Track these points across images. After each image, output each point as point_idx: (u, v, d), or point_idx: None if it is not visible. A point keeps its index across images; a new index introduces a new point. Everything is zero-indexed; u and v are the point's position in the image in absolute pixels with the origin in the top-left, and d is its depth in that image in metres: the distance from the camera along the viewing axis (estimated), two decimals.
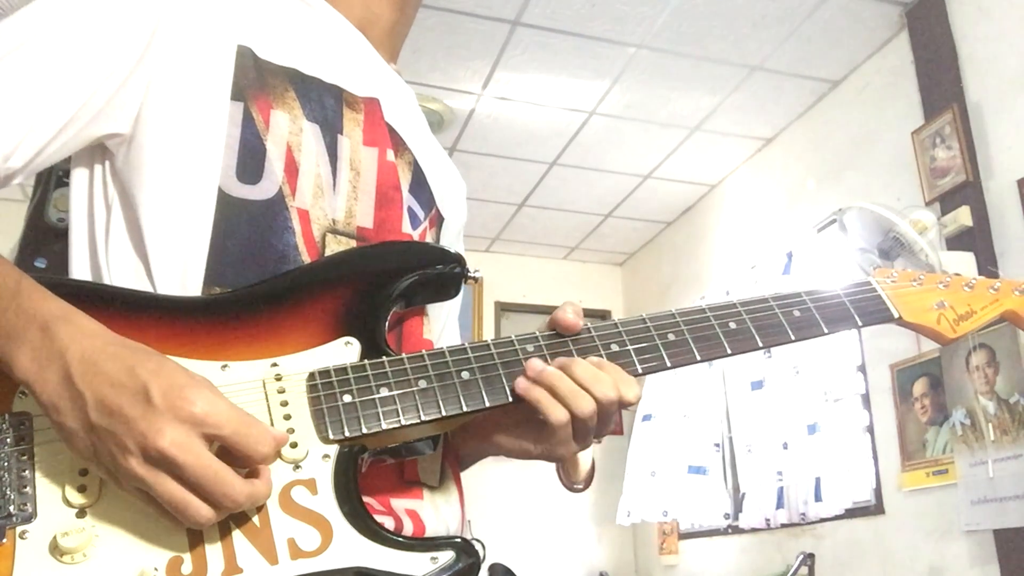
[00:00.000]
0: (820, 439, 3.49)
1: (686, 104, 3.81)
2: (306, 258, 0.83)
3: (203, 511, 0.65)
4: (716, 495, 4.17)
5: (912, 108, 3.18)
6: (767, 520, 3.77)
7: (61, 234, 0.86)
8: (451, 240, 1.05)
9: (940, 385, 2.95)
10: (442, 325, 1.05)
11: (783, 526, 3.69)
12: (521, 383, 0.79)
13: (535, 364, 0.79)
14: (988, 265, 2.75)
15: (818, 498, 3.44)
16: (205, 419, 0.65)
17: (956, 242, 2.88)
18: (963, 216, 2.85)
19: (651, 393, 4.57)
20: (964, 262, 2.76)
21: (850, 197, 3.28)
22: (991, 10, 2.89)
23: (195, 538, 0.68)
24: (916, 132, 3.10)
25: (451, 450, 0.93)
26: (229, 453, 0.67)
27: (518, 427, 0.85)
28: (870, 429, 3.33)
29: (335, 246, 0.86)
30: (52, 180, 0.91)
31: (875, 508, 3.26)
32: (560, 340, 0.83)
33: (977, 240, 2.82)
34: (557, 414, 0.78)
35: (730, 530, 4.15)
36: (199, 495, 0.65)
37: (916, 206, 2.95)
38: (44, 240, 0.90)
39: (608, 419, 0.81)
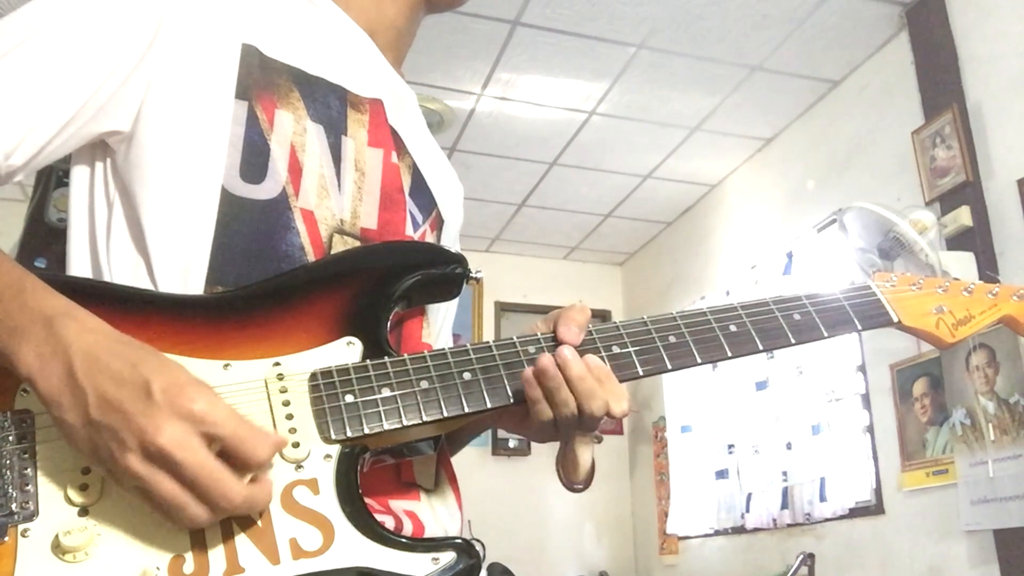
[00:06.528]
0: (824, 439, 3.49)
1: (686, 104, 3.81)
2: (312, 258, 0.83)
3: (200, 513, 0.65)
4: (734, 496, 4.17)
5: (912, 108, 3.18)
6: (773, 520, 3.78)
7: (61, 234, 0.86)
8: (449, 242, 1.05)
9: (940, 385, 2.95)
10: (439, 328, 1.05)
11: (786, 526, 3.70)
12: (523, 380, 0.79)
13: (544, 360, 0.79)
14: (988, 266, 2.75)
15: (823, 498, 3.45)
16: (205, 417, 0.65)
17: (956, 242, 2.88)
18: (963, 216, 2.85)
19: (686, 404, 4.60)
20: (964, 262, 2.76)
21: (850, 197, 3.27)
22: (991, 10, 2.89)
23: (197, 538, 0.68)
24: (916, 132, 3.10)
25: (447, 452, 0.93)
26: (228, 457, 0.66)
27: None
28: (870, 429, 3.33)
29: (341, 247, 0.85)
30: (52, 180, 0.91)
31: (875, 508, 3.26)
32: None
33: (977, 240, 2.82)
34: (545, 413, 0.79)
35: (730, 530, 4.15)
36: (196, 495, 0.64)
37: (916, 206, 2.95)
38: (44, 240, 0.90)
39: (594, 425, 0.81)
